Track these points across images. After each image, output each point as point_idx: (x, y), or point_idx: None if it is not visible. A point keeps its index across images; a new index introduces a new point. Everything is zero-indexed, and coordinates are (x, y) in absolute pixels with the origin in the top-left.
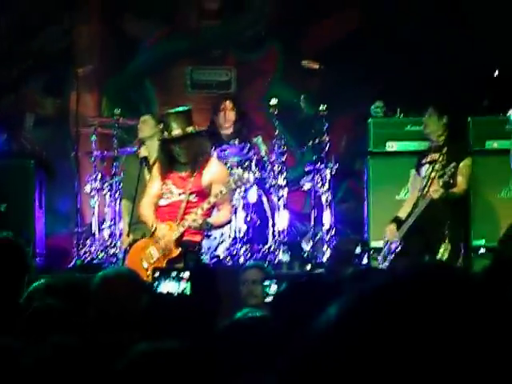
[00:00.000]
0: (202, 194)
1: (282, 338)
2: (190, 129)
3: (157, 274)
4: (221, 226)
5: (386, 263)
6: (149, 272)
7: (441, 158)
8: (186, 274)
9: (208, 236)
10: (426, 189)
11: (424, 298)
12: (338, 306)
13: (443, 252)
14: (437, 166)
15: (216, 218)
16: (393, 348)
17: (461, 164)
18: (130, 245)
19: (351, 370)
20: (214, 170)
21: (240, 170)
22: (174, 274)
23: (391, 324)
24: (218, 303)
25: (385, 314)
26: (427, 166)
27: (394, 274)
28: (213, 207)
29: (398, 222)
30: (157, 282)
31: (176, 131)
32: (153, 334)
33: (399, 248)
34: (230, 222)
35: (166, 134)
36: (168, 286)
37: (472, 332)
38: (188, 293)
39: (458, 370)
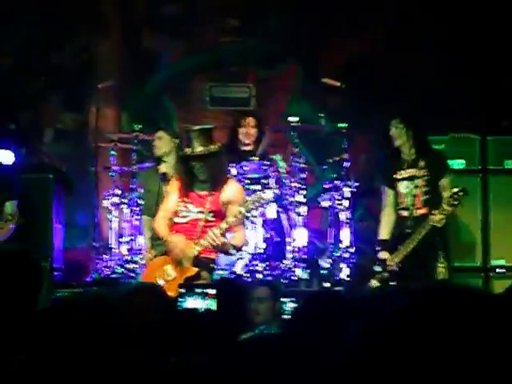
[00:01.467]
0: (220, 213)
1: (303, 352)
2: (212, 147)
3: (182, 291)
4: (237, 249)
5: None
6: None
7: (420, 174)
8: (212, 291)
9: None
10: (414, 208)
11: (448, 321)
12: (362, 326)
13: (441, 270)
14: (419, 183)
15: (231, 240)
16: (417, 370)
17: (444, 182)
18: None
19: None
20: (232, 191)
21: (259, 191)
22: (199, 290)
23: (416, 345)
24: (245, 319)
25: (409, 335)
26: (406, 182)
27: (414, 297)
28: (228, 229)
29: (385, 245)
30: (182, 299)
31: (199, 148)
32: (175, 349)
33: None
34: (243, 245)
35: (188, 150)
36: (193, 303)
37: (496, 351)
38: (214, 309)
39: None
